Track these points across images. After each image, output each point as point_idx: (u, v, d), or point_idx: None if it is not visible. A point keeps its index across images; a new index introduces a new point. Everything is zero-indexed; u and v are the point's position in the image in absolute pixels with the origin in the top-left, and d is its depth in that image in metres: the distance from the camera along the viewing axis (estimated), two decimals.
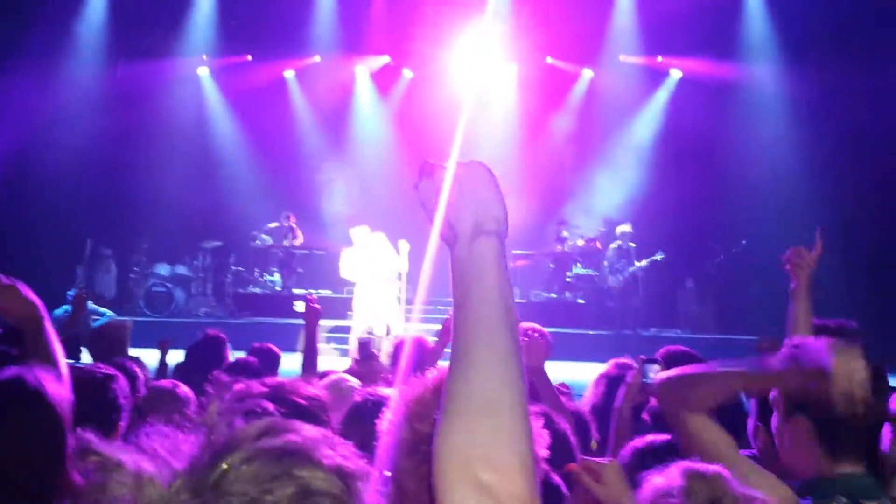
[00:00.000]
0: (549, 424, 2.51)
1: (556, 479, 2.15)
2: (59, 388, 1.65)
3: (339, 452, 0.80)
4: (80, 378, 2.27)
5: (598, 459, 1.93)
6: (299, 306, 9.35)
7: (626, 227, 12.15)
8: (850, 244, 10.99)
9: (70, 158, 12.53)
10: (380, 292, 9.72)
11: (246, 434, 0.80)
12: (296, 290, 13.27)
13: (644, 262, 11.93)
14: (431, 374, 1.36)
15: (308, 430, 0.81)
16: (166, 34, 13.59)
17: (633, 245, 12.13)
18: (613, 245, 12.23)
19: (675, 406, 1.87)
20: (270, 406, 1.71)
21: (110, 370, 2.49)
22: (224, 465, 0.76)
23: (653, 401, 2.92)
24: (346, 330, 10.31)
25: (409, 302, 11.20)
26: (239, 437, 0.79)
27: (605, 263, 12.31)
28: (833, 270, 11.47)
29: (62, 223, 12.39)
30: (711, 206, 12.85)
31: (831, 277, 11.27)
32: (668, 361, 3.32)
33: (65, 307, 10.10)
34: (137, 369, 3.44)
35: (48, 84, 12.24)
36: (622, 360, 3.80)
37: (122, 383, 2.45)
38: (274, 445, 0.78)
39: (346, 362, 9.29)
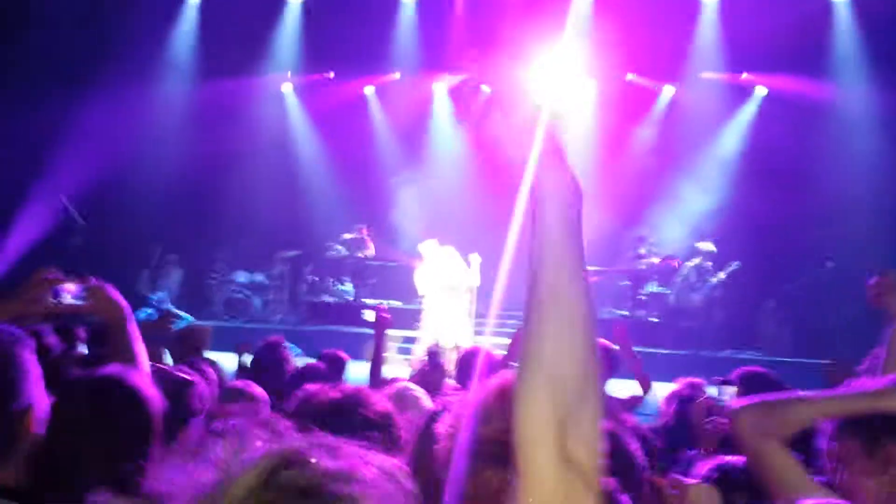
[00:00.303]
0: (616, 442, 2.48)
1: (624, 499, 2.12)
2: (153, 391, 1.72)
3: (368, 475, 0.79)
4: (162, 380, 2.41)
5: (687, 479, 1.90)
6: (369, 315, 9.44)
7: (709, 245, 11.87)
8: None
9: (159, 173, 13.08)
10: (449, 305, 9.75)
11: (258, 469, 0.78)
12: (367, 301, 13.47)
13: (722, 274, 11.63)
14: (495, 381, 1.35)
15: (324, 464, 0.79)
16: (253, 52, 14.08)
17: (710, 264, 11.84)
18: (692, 263, 11.94)
19: (753, 432, 1.84)
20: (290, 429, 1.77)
21: (190, 374, 2.60)
22: None
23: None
24: (415, 341, 10.38)
25: (481, 315, 11.21)
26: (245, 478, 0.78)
27: (678, 279, 12.03)
28: None
29: (151, 235, 12.93)
30: (796, 226, 12.41)
31: None
32: (744, 382, 3.26)
33: (147, 311, 10.57)
34: (211, 371, 3.58)
35: (141, 100, 12.84)
36: (696, 379, 3.75)
37: (200, 388, 2.56)
38: (285, 484, 0.77)
39: (411, 373, 9.41)
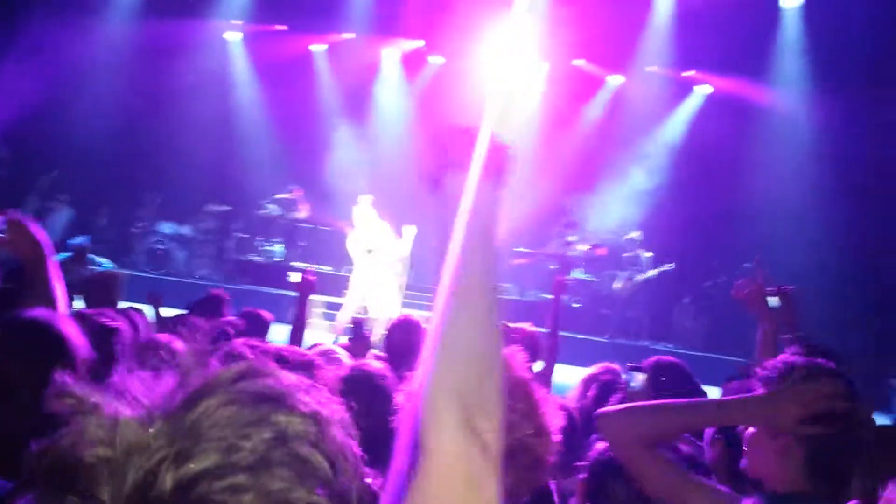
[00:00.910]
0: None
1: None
2: (80, 337, 1.67)
3: (316, 398, 0.80)
4: (87, 324, 2.31)
5: None
6: (294, 277, 9.26)
7: (635, 234, 12.12)
8: (867, 279, 10.94)
9: (92, 110, 12.59)
10: (379, 274, 9.68)
11: (222, 377, 0.78)
12: (296, 264, 13.27)
13: (654, 272, 11.89)
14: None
15: (286, 376, 0.81)
16: None
17: (646, 254, 12.07)
18: (626, 254, 12.18)
19: (618, 440, 1.87)
20: (247, 351, 1.71)
21: (116, 320, 2.52)
22: (199, 409, 0.74)
23: None
24: (340, 308, 10.31)
25: (412, 287, 11.21)
26: (215, 380, 0.78)
27: (616, 270, 12.22)
28: (851, 301, 11.47)
29: (76, 173, 12.42)
30: (722, 225, 12.80)
31: (848, 308, 11.28)
32: (657, 371, 3.34)
33: (66, 254, 10.16)
34: (139, 321, 3.48)
35: (78, 33, 12.26)
36: (613, 365, 3.86)
37: (125, 335, 2.50)
38: (251, 389, 0.77)
39: (334, 339, 9.36)
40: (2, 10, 11.00)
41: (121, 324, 2.52)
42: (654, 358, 3.37)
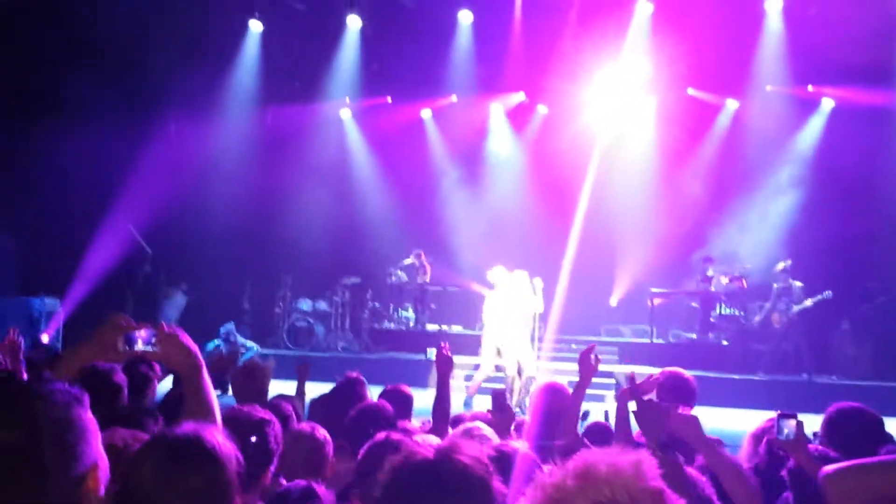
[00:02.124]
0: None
1: None
2: (231, 449, 1.66)
3: None
4: (239, 421, 2.36)
5: None
6: (431, 353, 9.43)
7: (784, 264, 11.36)
8: None
9: (223, 202, 13.30)
10: (513, 332, 9.57)
11: None
12: (429, 326, 13.44)
13: (809, 302, 11.08)
14: (574, 461, 1.18)
15: None
16: (313, 78, 14.29)
17: (798, 284, 11.31)
18: (777, 285, 11.43)
19: (843, 499, 1.72)
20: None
21: (266, 414, 2.55)
22: None
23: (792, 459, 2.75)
24: (477, 368, 10.24)
25: (541, 339, 11.05)
26: None
27: (767, 304, 11.53)
28: None
29: (216, 259, 13.15)
30: (870, 243, 11.88)
31: None
32: (839, 420, 3.05)
33: (216, 342, 10.72)
34: (291, 410, 3.55)
35: (205, 130, 13.13)
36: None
37: (276, 428, 2.52)
38: None
39: (464, 400, 9.30)
40: (134, 114, 11.88)
41: (270, 417, 2.55)
42: (833, 407, 3.10)
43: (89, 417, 1.51)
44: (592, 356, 3.62)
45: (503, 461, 2.35)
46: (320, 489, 2.39)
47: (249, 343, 11.12)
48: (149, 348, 1.99)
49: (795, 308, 11.08)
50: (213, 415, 2.03)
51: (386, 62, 14.31)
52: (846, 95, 12.97)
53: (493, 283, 9.92)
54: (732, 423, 6.94)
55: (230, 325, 10.91)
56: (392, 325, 13.68)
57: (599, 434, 4.10)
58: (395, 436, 2.58)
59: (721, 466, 2.65)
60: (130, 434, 2.38)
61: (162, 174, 12.32)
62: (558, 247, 12.50)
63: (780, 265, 11.37)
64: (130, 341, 1.97)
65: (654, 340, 12.80)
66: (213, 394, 2.07)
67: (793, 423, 2.61)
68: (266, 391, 4.33)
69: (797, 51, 12.56)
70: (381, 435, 2.64)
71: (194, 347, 2.04)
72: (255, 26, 13.48)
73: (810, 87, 13.33)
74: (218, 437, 1.66)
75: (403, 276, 13.67)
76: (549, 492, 1.13)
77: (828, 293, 10.94)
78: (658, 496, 1.09)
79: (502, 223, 14.07)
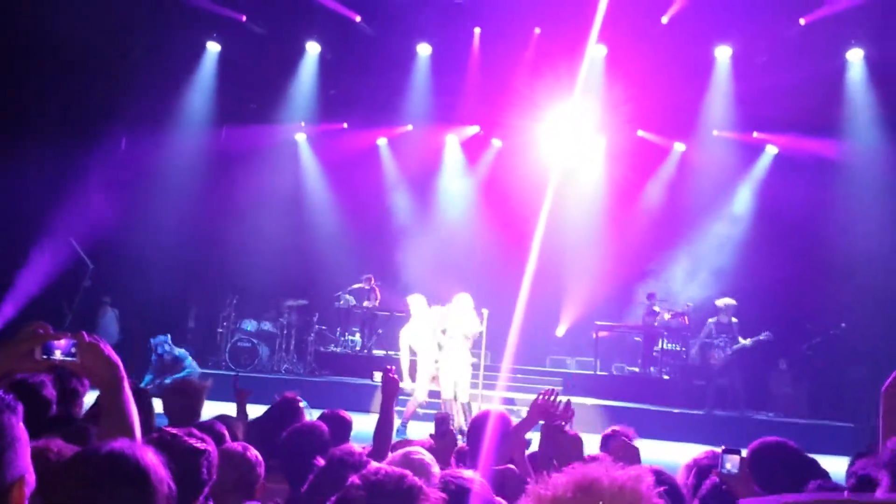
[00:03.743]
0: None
1: None
2: (163, 470, 1.60)
3: None
4: (171, 446, 2.24)
5: None
6: (377, 377, 9.23)
7: (728, 301, 11.49)
8: None
9: (171, 218, 13.08)
10: (451, 355, 9.59)
11: None
12: (376, 351, 13.37)
13: (748, 341, 11.26)
14: (569, 471, 1.17)
15: None
16: (269, 101, 14.26)
17: (735, 320, 11.47)
18: (713, 319, 11.60)
19: None
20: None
21: (200, 443, 2.41)
22: None
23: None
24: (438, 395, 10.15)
25: (492, 369, 11.09)
26: None
27: (700, 337, 11.72)
28: None
29: (160, 280, 12.88)
30: (808, 284, 12.28)
31: None
32: (762, 453, 3.15)
33: (163, 337, 10.55)
34: (225, 430, 3.43)
35: (155, 146, 12.95)
36: (716, 450, 3.64)
37: (210, 457, 2.40)
38: None
39: (398, 427, 9.23)
40: (81, 126, 11.67)
41: (208, 445, 2.42)
42: (757, 442, 3.21)
43: (21, 428, 1.46)
44: (553, 398, 3.60)
45: (457, 491, 2.34)
46: None
47: (181, 351, 10.94)
48: (68, 358, 1.90)
49: (736, 346, 11.31)
50: (132, 432, 1.93)
51: (344, 88, 14.39)
52: (790, 143, 13.47)
53: (411, 311, 9.92)
54: (672, 456, 7.06)
55: (163, 337, 10.72)
56: (338, 349, 13.57)
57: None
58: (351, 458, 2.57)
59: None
60: (67, 447, 2.29)
61: (108, 189, 12.10)
62: (509, 278, 12.61)
63: (724, 301, 11.54)
64: (49, 350, 1.88)
65: (598, 372, 12.96)
66: (134, 410, 1.97)
67: (736, 458, 2.69)
68: (199, 411, 4.18)
69: (744, 98, 13.00)
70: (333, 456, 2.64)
71: (116, 358, 1.95)
72: (213, 47, 13.43)
73: (756, 134, 13.81)
74: (150, 456, 1.60)
75: (352, 299, 13.61)
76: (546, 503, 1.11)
77: (766, 334, 11.18)
78: None
79: (454, 252, 14.16)
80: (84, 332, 1.94)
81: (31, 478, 1.46)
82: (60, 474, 1.55)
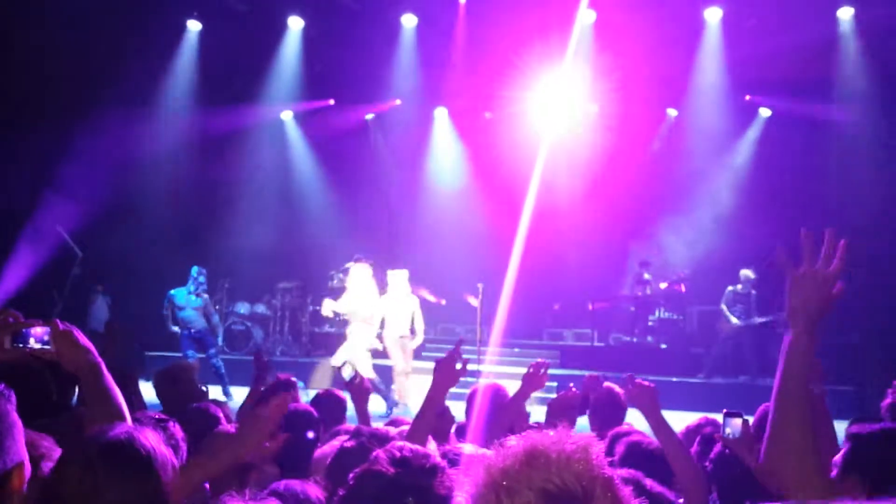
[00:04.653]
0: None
1: None
2: (167, 453, 1.59)
3: None
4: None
5: None
6: (347, 371, 9.19)
7: (748, 273, 11.44)
8: None
9: (159, 202, 12.96)
10: (355, 333, 9.64)
11: None
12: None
13: (758, 320, 11.22)
14: (519, 441, 1.12)
15: None
16: (254, 80, 14.03)
17: (754, 292, 11.40)
18: (731, 287, 11.53)
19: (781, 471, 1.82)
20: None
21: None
22: None
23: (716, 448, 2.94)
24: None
25: (485, 343, 11.03)
26: None
27: (723, 305, 11.58)
28: None
29: (150, 260, 12.75)
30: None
31: None
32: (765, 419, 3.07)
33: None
34: (218, 413, 3.41)
35: (139, 129, 12.75)
36: (712, 416, 3.63)
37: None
38: None
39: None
40: (64, 111, 11.48)
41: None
42: (767, 404, 3.13)
43: (15, 415, 1.49)
44: (542, 371, 3.68)
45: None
46: None
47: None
48: (43, 346, 1.90)
49: (748, 321, 11.24)
50: (120, 413, 1.93)
51: (329, 64, 14.14)
52: (784, 105, 13.33)
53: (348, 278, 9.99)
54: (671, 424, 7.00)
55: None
56: (333, 329, 13.46)
57: None
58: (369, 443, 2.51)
59: (671, 445, 2.78)
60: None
61: (94, 174, 11.92)
62: (502, 252, 12.51)
63: (744, 273, 11.46)
64: (24, 339, 1.88)
65: (595, 344, 12.91)
66: (118, 392, 1.97)
67: (738, 421, 2.66)
68: (193, 395, 4.14)
69: (736, 61, 12.84)
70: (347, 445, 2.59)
71: (89, 345, 1.95)
72: (194, 25, 13.17)
73: (748, 97, 13.66)
74: (152, 439, 1.57)
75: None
76: (495, 475, 1.08)
77: (770, 318, 11.20)
78: (608, 484, 1.05)
79: (446, 228, 14.04)
80: (57, 320, 1.93)
81: (27, 465, 1.51)
82: (61, 461, 1.54)
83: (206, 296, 10.53)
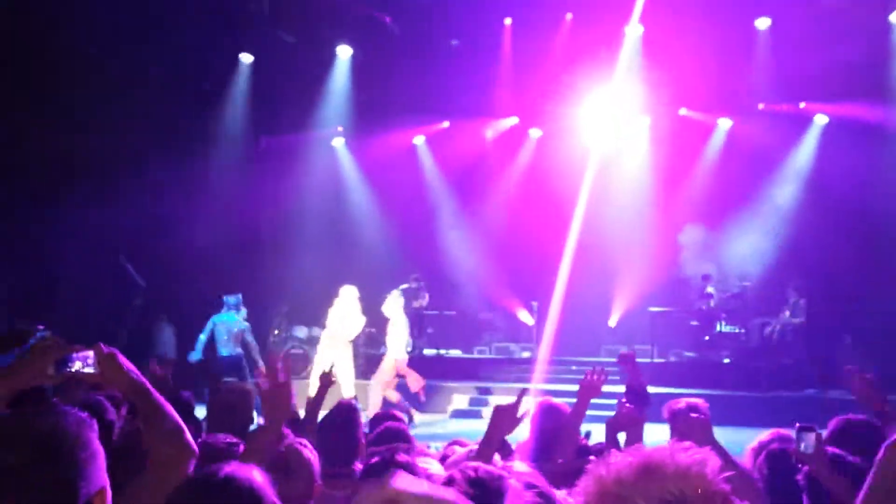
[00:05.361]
0: None
1: None
2: (271, 491, 1.63)
3: None
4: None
5: None
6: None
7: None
8: None
9: (218, 231, 13.22)
10: (336, 353, 9.64)
11: None
12: (426, 351, 13.32)
13: (788, 317, 10.95)
14: (631, 456, 1.13)
15: None
16: (305, 108, 14.31)
17: (802, 302, 11.24)
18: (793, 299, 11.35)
19: None
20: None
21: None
22: None
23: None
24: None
25: (534, 361, 10.97)
26: None
27: (787, 314, 11.39)
28: None
29: (210, 289, 13.01)
30: (865, 256, 11.82)
31: None
32: (847, 433, 3.00)
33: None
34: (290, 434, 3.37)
35: (199, 161, 13.11)
36: (784, 431, 3.50)
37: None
38: None
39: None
40: (119, 145, 11.88)
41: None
42: (843, 418, 3.07)
43: (98, 443, 1.53)
44: (595, 377, 3.67)
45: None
46: None
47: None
48: (87, 370, 1.92)
49: (795, 321, 10.98)
50: (179, 430, 1.95)
51: (377, 90, 14.33)
52: (839, 111, 12.99)
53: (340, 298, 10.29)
54: (735, 441, 6.80)
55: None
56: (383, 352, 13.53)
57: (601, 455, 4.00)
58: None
59: (731, 467, 2.64)
60: None
61: (155, 203, 12.28)
62: (554, 268, 12.44)
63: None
64: (67, 363, 1.90)
65: (655, 360, 12.68)
66: (171, 410, 1.98)
67: (812, 435, 2.65)
68: (249, 423, 3.98)
69: (788, 68, 12.59)
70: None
71: (132, 367, 1.97)
72: (246, 58, 13.54)
73: (802, 104, 13.35)
74: (258, 477, 1.61)
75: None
76: (608, 485, 1.08)
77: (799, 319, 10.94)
78: (726, 499, 1.06)
79: (498, 246, 14.02)
80: (101, 344, 1.96)
81: (108, 492, 1.53)
82: (174, 498, 1.59)
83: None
